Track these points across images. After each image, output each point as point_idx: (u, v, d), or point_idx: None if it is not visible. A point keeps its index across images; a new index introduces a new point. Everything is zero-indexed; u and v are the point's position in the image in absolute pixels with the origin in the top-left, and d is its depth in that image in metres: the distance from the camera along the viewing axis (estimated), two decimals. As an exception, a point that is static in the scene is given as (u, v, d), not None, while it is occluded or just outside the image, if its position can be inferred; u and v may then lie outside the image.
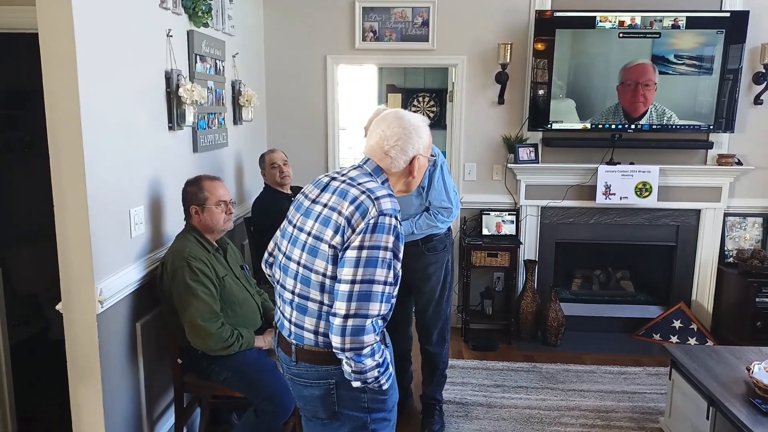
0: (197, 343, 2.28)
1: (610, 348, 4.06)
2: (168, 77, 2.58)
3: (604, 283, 4.56)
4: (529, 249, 4.28)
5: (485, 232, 4.22)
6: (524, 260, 4.25)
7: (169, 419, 2.67)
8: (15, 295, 3.57)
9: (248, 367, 2.34)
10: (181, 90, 2.58)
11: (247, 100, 3.50)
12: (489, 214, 4.23)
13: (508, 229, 4.22)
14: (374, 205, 1.53)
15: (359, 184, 1.61)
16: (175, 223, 2.61)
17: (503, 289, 4.40)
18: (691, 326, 4.12)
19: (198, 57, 2.90)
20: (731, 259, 4.16)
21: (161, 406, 2.64)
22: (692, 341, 4.06)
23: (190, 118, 2.66)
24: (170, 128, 2.63)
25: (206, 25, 2.96)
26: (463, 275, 4.21)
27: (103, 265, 2.07)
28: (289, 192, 3.56)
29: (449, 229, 2.98)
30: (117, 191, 2.18)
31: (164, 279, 2.33)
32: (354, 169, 1.70)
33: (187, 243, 2.38)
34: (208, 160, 3.09)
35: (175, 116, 2.63)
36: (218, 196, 2.44)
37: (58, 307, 2.00)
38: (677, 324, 4.15)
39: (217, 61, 3.20)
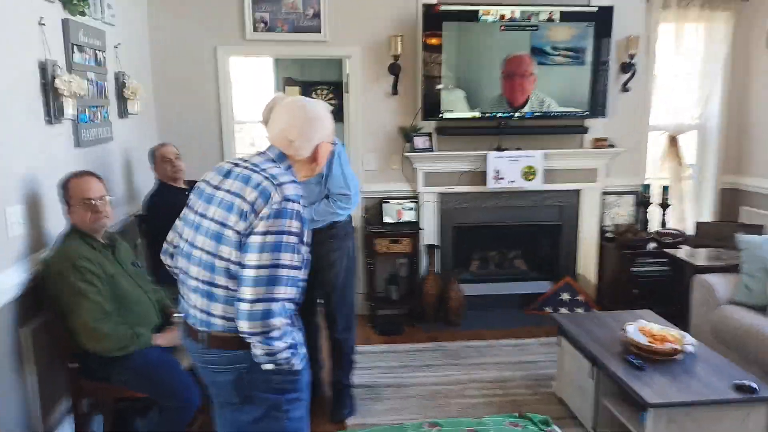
0: (92, 346, 2.18)
1: (507, 323, 4.30)
2: (43, 68, 2.42)
3: (499, 263, 4.82)
4: (429, 234, 4.43)
5: (387, 219, 4.32)
6: (425, 245, 4.39)
7: (69, 427, 2.51)
8: None
9: (149, 366, 2.26)
10: (58, 81, 2.43)
11: (132, 93, 3.35)
12: (389, 202, 4.33)
13: (409, 216, 4.35)
14: (277, 190, 1.55)
15: (262, 170, 1.61)
16: (57, 222, 2.45)
17: (407, 275, 4.53)
18: (578, 297, 4.47)
19: (75, 47, 2.73)
20: (609, 234, 4.55)
21: (58, 414, 2.48)
22: (579, 311, 4.40)
23: (69, 111, 2.51)
24: (48, 122, 2.47)
25: (83, 13, 2.79)
26: (368, 263, 4.29)
27: (-23, 269, 1.92)
28: (184, 186, 3.45)
29: (350, 217, 3.03)
30: (-12, 189, 2.03)
31: (48, 281, 2.19)
32: (257, 155, 1.70)
33: (71, 242, 2.26)
34: (93, 155, 2.93)
35: (52, 109, 2.47)
36: (82, 194, 2.29)
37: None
38: (565, 296, 4.48)
39: (98, 52, 3.03)
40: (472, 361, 3.67)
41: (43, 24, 2.44)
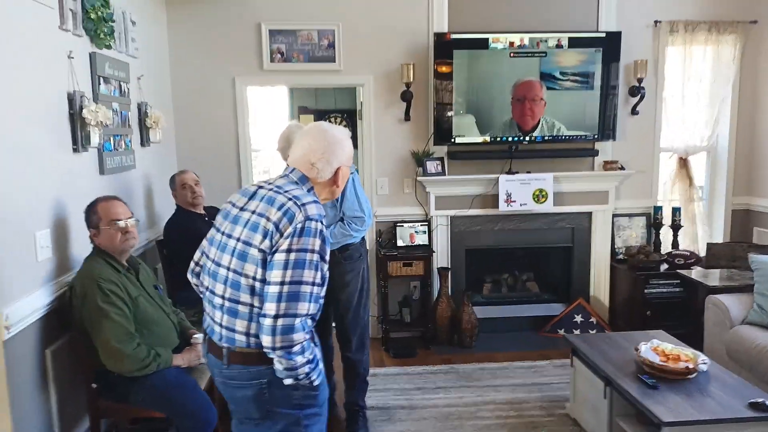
0: (113, 366, 2.25)
1: (520, 345, 4.31)
2: (71, 99, 2.55)
3: (511, 285, 4.84)
4: (441, 257, 4.48)
5: (400, 243, 4.38)
6: (438, 268, 4.44)
7: (85, 449, 2.58)
8: None
9: (167, 386, 2.32)
10: (85, 111, 2.55)
11: (154, 122, 3.48)
12: (402, 225, 4.40)
13: (421, 239, 4.41)
14: (301, 210, 1.63)
15: (286, 191, 1.70)
16: (82, 246, 2.55)
17: (420, 298, 4.57)
18: (591, 320, 4.47)
19: (102, 79, 2.87)
20: (621, 256, 4.56)
21: (76, 435, 2.55)
22: (593, 333, 4.39)
23: (95, 140, 2.63)
24: (75, 150, 2.59)
25: (109, 47, 2.94)
26: (381, 286, 4.34)
27: (9, 290, 2.01)
28: (203, 212, 3.55)
29: (363, 239, 3.11)
30: (20, 214, 2.13)
31: (74, 303, 2.28)
32: (280, 178, 1.79)
33: (95, 265, 2.34)
34: (116, 182, 3.04)
35: (79, 138, 2.59)
36: (110, 216, 2.39)
37: (-41, 336, 1.92)
38: (578, 318, 4.48)
39: (122, 83, 3.17)
40: (485, 383, 3.68)
41: (72, 57, 2.57)
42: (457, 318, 4.35)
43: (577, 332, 4.43)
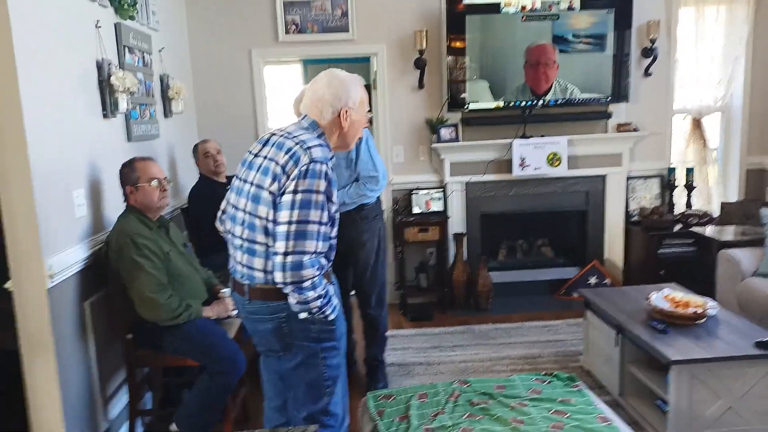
0: (147, 315, 2.39)
1: (535, 308, 4.41)
2: (99, 66, 2.67)
3: (526, 250, 4.92)
4: (457, 223, 4.57)
5: (416, 210, 4.47)
6: (453, 234, 4.53)
7: (123, 397, 2.74)
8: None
9: (199, 334, 2.46)
10: (113, 78, 2.67)
11: (176, 93, 3.59)
12: (417, 192, 4.49)
13: (437, 206, 4.49)
14: (306, 153, 1.73)
15: (294, 136, 1.81)
16: (114, 207, 2.69)
17: (436, 263, 4.67)
18: (605, 281, 4.54)
19: (127, 48, 2.98)
20: (635, 218, 4.61)
21: (114, 384, 2.71)
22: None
23: (123, 105, 2.75)
24: (104, 116, 2.72)
25: (132, 17, 3.05)
26: (398, 252, 4.45)
27: (52, 243, 2.15)
28: (224, 181, 3.67)
29: (379, 199, 3.21)
30: (59, 173, 2.27)
31: (110, 257, 2.42)
32: (292, 125, 1.90)
33: (129, 221, 2.47)
34: (142, 149, 3.16)
35: (108, 104, 2.71)
36: (150, 174, 2.52)
37: (8, 285, 2.06)
38: (593, 280, 4.56)
39: (145, 54, 3.28)
40: (500, 341, 3.79)
41: (99, 27, 2.69)
42: (472, 281, 4.45)
43: (591, 293, 4.50)
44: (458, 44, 4.24)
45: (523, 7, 4.23)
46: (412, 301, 4.54)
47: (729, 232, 3.98)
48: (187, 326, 2.46)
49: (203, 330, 2.49)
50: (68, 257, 2.29)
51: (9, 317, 2.10)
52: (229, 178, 3.69)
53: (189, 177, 3.88)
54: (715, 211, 4.54)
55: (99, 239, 2.57)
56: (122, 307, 2.47)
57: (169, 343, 2.48)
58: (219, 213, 2.05)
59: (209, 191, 3.54)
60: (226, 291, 2.72)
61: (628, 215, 4.65)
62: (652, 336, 2.60)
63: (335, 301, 1.84)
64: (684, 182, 4.55)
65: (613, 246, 4.67)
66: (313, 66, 6.46)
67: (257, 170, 1.80)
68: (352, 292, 3.29)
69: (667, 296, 2.86)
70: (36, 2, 2.16)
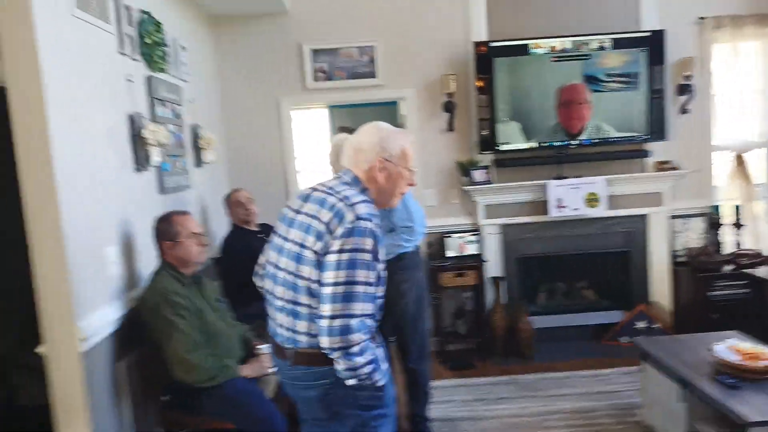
0: (183, 376, 2.27)
1: (581, 354, 4.18)
2: (132, 120, 2.63)
3: (567, 293, 4.72)
4: (493, 266, 4.41)
5: (449, 253, 4.33)
6: (490, 277, 4.37)
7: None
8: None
9: (236, 395, 2.32)
10: (145, 131, 2.63)
11: (206, 143, 3.56)
12: (451, 236, 4.35)
13: (472, 249, 4.34)
14: (350, 210, 1.62)
15: (337, 192, 1.70)
16: (147, 262, 2.60)
17: (473, 308, 4.49)
18: (655, 326, 4.30)
19: (157, 101, 2.96)
20: (682, 258, 4.40)
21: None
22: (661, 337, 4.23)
23: (155, 158, 2.71)
24: (136, 169, 2.66)
25: (163, 70, 3.04)
26: (433, 298, 4.29)
27: (84, 304, 2.06)
28: (256, 229, 3.60)
29: (418, 248, 3.08)
30: (91, 230, 2.19)
31: (144, 316, 2.32)
32: (334, 179, 1.80)
33: (163, 279, 2.39)
34: (174, 201, 3.10)
35: (140, 157, 2.66)
36: (190, 229, 2.47)
37: (41, 349, 1.96)
38: (641, 325, 4.33)
39: (175, 106, 3.26)
40: (549, 393, 3.57)
41: (131, 80, 2.66)
42: (513, 327, 4.26)
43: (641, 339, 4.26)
44: (487, 87, 4.17)
45: (553, 48, 4.17)
46: (451, 348, 4.34)
47: (786, 272, 3.76)
48: (223, 387, 2.33)
49: (240, 391, 2.36)
50: (101, 318, 2.19)
51: (40, 374, 2.01)
52: (261, 226, 3.63)
53: (220, 226, 3.81)
54: (766, 250, 4.32)
55: (133, 296, 2.47)
56: (157, 367, 2.35)
57: (205, 405, 2.35)
58: (256, 268, 1.94)
59: (243, 241, 3.48)
60: (263, 347, 2.59)
61: (673, 256, 4.44)
62: (723, 393, 2.39)
63: (384, 365, 1.69)
64: (730, 220, 4.35)
65: (659, 288, 4.45)
66: (339, 110, 6.48)
67: (298, 228, 1.70)
68: (392, 338, 3.13)
69: (732, 347, 2.65)
70: (68, 57, 2.14)
